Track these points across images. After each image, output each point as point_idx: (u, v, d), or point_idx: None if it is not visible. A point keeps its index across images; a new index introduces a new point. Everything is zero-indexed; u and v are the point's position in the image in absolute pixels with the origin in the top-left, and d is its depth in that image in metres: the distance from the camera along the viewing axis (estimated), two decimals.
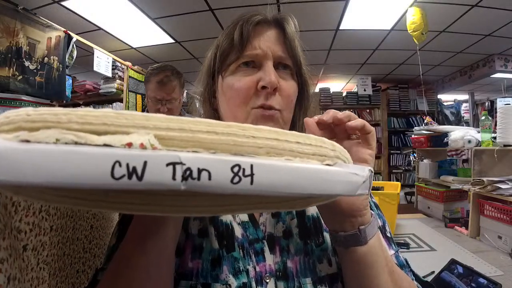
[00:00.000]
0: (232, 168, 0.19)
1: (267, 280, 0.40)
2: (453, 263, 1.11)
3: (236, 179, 0.19)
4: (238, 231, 0.44)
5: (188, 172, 0.18)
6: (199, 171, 0.18)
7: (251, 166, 0.19)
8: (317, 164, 0.24)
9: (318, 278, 0.42)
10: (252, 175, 0.19)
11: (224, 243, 0.42)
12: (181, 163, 0.18)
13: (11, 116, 0.18)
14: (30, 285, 0.30)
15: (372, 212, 0.40)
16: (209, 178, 0.18)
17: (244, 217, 0.45)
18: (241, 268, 0.40)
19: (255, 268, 0.41)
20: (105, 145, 0.18)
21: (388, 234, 0.50)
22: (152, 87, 1.39)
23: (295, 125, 0.51)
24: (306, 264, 0.43)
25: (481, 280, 1.00)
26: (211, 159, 0.19)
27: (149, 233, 0.32)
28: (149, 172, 0.17)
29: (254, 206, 0.27)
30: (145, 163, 0.17)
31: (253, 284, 0.40)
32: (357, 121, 0.37)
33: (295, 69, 0.49)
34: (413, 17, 2.54)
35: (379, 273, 0.38)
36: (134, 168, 0.17)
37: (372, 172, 0.25)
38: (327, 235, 0.45)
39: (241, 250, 0.42)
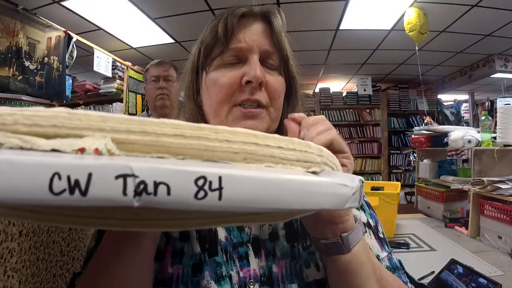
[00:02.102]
0: (196, 181, 0.16)
1: (251, 286, 0.38)
2: (453, 263, 1.11)
3: (201, 194, 0.16)
4: (222, 234, 0.41)
5: (142, 186, 0.15)
6: (156, 184, 0.15)
7: (220, 178, 0.16)
8: (301, 172, 0.21)
9: (305, 284, 0.40)
10: (220, 189, 0.16)
11: (207, 246, 0.40)
12: (133, 176, 0.15)
13: None
14: None
15: (357, 216, 0.38)
16: (168, 193, 0.16)
17: None
18: (223, 274, 0.38)
19: (238, 274, 0.39)
20: (53, 150, 0.16)
21: (381, 235, 0.48)
22: (151, 70, 1.53)
23: (283, 123, 0.49)
24: (293, 268, 0.41)
25: (481, 280, 1.00)
26: (170, 171, 0.16)
27: (124, 240, 0.30)
28: (94, 186, 0.14)
29: (227, 220, 0.24)
30: (89, 175, 0.14)
31: None
32: (323, 137, 0.34)
33: (282, 64, 0.46)
34: (409, 17, 2.55)
35: (365, 281, 0.36)
36: (77, 182, 0.14)
37: (363, 182, 0.22)
38: None
39: (224, 254, 0.40)
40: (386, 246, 0.47)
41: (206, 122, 0.48)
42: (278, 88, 0.45)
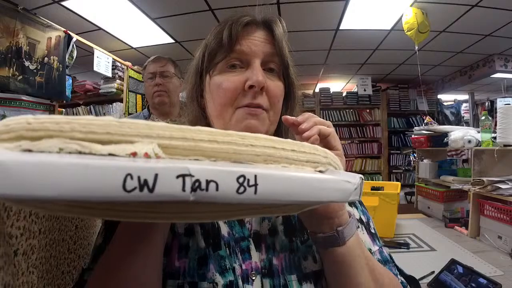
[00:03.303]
0: (237, 178, 0.19)
1: (253, 278, 0.41)
2: (453, 263, 1.11)
3: (241, 189, 0.19)
4: (224, 230, 0.44)
5: (197, 184, 0.18)
6: (207, 182, 0.18)
7: (255, 176, 0.20)
8: (311, 171, 0.25)
9: (303, 275, 0.42)
10: (256, 185, 0.20)
11: (210, 241, 0.42)
12: (190, 175, 0.18)
13: (11, 124, 0.18)
14: None
15: (351, 212, 0.41)
16: (217, 189, 0.19)
17: None
18: (227, 266, 0.41)
19: (241, 266, 0.41)
20: (110, 154, 0.18)
21: (373, 230, 0.51)
22: (148, 67, 1.49)
23: (281, 125, 0.52)
24: (292, 261, 0.43)
25: (481, 280, 1.00)
26: (218, 171, 0.19)
27: (138, 235, 0.32)
28: (160, 184, 0.17)
29: (253, 212, 0.28)
30: (156, 175, 0.17)
31: (240, 282, 0.40)
32: (311, 131, 0.38)
33: (282, 70, 0.49)
34: (406, 17, 2.55)
35: (359, 272, 0.39)
36: (146, 181, 0.17)
37: (362, 179, 0.26)
38: None
39: (227, 248, 0.42)
40: (377, 241, 0.51)
41: (209, 123, 0.50)
42: (278, 93, 0.48)
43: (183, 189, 0.18)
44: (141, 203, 0.18)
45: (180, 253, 0.41)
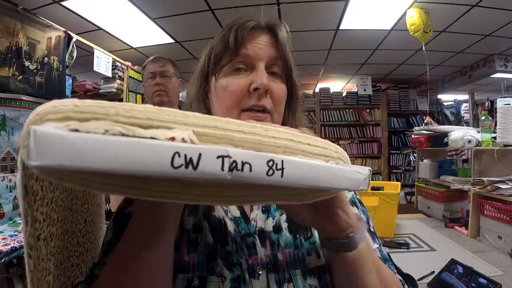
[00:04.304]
0: (268, 162, 0.22)
1: (259, 272, 0.42)
2: (453, 263, 1.11)
3: (271, 172, 0.22)
4: (231, 226, 0.46)
5: (234, 164, 0.20)
6: (243, 163, 0.21)
7: (282, 161, 0.22)
8: (324, 163, 0.27)
9: (308, 270, 0.44)
10: (282, 169, 0.22)
11: (218, 237, 0.44)
12: (228, 156, 0.20)
13: (58, 106, 0.19)
14: (41, 275, 0.31)
15: (362, 216, 0.42)
16: (250, 170, 0.21)
17: (236, 213, 0.47)
18: (234, 261, 0.43)
19: (247, 261, 0.43)
20: (152, 138, 0.19)
21: (372, 229, 0.53)
22: (147, 67, 1.50)
23: (284, 126, 0.53)
24: (296, 256, 0.45)
25: (481, 280, 1.00)
26: (252, 154, 0.21)
27: (152, 227, 0.34)
28: (203, 162, 0.19)
29: (271, 198, 0.30)
30: (200, 155, 0.19)
31: (246, 276, 0.42)
32: None
33: (285, 72, 0.51)
34: (411, 19, 2.55)
35: (367, 273, 0.40)
36: (191, 159, 0.19)
37: (370, 171, 0.29)
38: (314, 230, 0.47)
39: (234, 244, 0.44)
40: (376, 239, 0.53)
41: None
42: (281, 95, 0.50)
43: (222, 168, 0.20)
44: (171, 180, 0.20)
45: (189, 248, 0.43)
